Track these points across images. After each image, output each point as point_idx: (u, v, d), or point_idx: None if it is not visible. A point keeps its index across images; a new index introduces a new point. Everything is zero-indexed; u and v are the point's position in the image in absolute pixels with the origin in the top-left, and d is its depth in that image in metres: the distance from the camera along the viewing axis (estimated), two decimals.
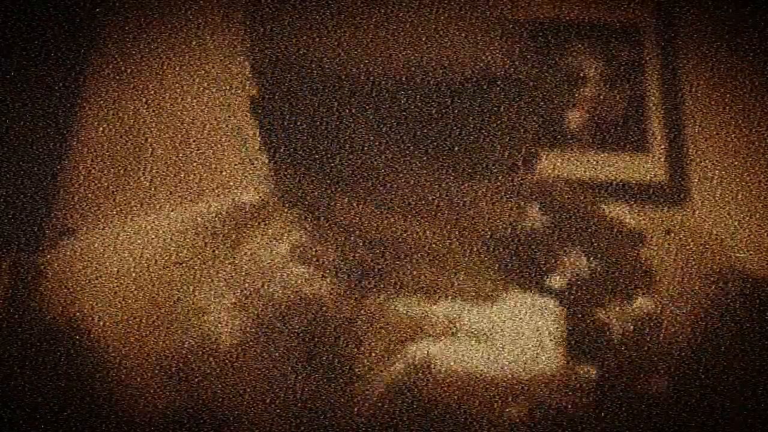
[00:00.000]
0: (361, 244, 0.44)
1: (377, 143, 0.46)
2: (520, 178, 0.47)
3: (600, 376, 0.44)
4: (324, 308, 0.43)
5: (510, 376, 0.39)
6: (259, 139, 0.49)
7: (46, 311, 0.54)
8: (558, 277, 0.48)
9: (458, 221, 0.46)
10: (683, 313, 0.54)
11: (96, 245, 0.56)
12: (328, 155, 0.47)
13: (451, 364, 0.39)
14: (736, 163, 1.61)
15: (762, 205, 1.57)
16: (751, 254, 1.50)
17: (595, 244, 0.48)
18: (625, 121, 1.62)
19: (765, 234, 1.54)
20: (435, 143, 0.47)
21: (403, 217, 0.44)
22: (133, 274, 0.53)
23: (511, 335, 0.41)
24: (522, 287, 0.45)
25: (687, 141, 1.61)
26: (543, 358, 0.40)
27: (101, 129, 1.63)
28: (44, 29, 1.59)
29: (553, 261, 0.49)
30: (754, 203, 1.57)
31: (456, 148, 0.47)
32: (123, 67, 1.68)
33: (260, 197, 0.49)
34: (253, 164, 0.52)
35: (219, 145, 1.60)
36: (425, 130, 0.46)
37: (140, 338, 0.51)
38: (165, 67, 1.68)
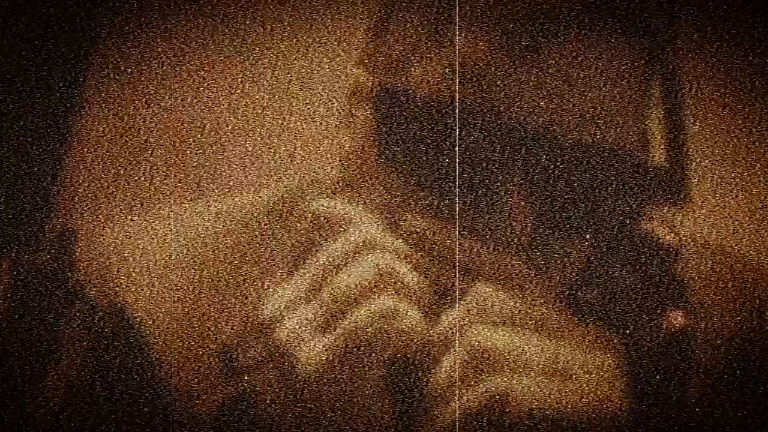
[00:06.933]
0: (449, 270, 0.43)
1: (493, 175, 0.45)
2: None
3: (632, 390, 0.44)
4: (411, 340, 0.41)
5: (581, 416, 0.39)
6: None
7: (86, 297, 0.52)
8: (591, 290, 0.48)
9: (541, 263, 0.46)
10: (716, 326, 0.54)
11: (141, 230, 0.54)
12: (436, 177, 0.45)
13: (528, 400, 0.39)
14: (736, 163, 1.60)
15: (762, 205, 1.57)
16: (752, 254, 1.50)
17: (629, 257, 0.48)
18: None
19: (766, 234, 1.54)
20: (545, 193, 0.46)
21: (490, 247, 0.44)
22: (182, 263, 0.52)
23: (580, 372, 0.41)
24: (583, 320, 0.45)
25: (687, 141, 1.61)
26: (610, 397, 0.40)
27: (101, 129, 1.63)
28: (44, 29, 1.58)
29: (587, 274, 0.49)
30: (754, 203, 1.57)
31: (561, 204, 0.47)
32: (123, 67, 1.67)
33: (339, 207, 0.46)
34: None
35: (220, 145, 1.60)
36: (539, 178, 0.46)
37: (193, 332, 0.49)
38: (165, 67, 1.67)
